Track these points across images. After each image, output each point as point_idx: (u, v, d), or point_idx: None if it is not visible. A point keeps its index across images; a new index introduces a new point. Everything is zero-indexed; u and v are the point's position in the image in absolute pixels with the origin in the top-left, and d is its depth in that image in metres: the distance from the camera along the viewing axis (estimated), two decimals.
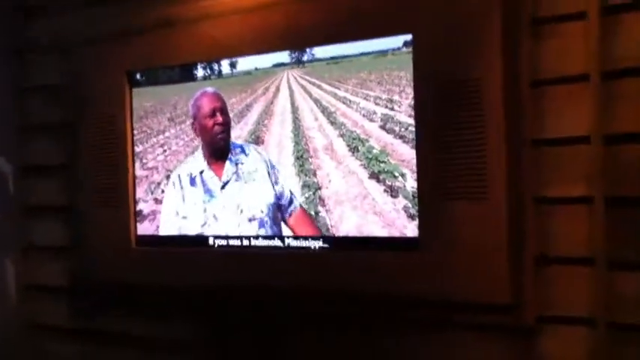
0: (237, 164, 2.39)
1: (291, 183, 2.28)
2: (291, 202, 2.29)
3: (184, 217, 2.48)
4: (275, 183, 2.33)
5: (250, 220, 2.35)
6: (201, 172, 2.46)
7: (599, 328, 1.82)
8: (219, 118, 2.42)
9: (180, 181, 2.50)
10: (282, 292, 2.26)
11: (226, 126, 2.42)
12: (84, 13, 2.68)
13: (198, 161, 2.47)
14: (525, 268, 1.91)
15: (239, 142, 2.39)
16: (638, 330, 1.78)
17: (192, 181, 2.47)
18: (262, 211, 2.34)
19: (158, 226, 2.53)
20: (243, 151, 2.40)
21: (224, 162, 2.42)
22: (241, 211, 2.37)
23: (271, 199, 2.32)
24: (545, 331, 1.91)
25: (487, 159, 1.91)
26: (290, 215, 2.30)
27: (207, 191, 2.43)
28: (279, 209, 2.31)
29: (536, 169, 1.91)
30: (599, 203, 1.81)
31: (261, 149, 2.34)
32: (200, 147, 2.46)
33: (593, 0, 1.82)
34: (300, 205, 2.26)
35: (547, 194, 1.91)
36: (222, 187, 2.41)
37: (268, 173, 2.34)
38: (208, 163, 2.45)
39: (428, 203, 2.01)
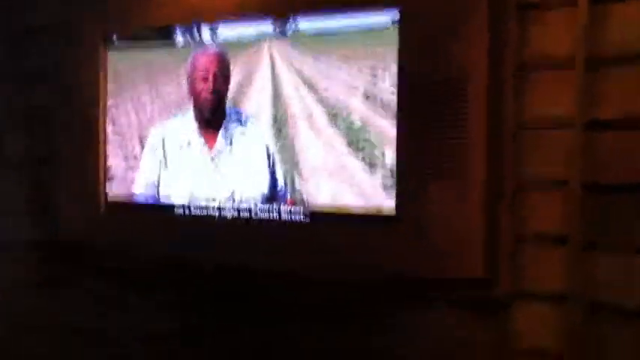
0: (231, 136, 2.33)
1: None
2: (284, 195, 2.25)
3: (163, 185, 2.43)
4: (272, 171, 2.27)
5: (239, 210, 2.30)
6: (189, 141, 2.39)
7: (571, 305, 1.86)
8: (210, 85, 2.32)
9: (163, 145, 2.43)
10: (256, 265, 2.25)
11: (219, 94, 2.33)
12: None
13: (187, 125, 2.40)
14: (501, 245, 1.94)
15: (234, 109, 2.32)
16: (607, 308, 1.83)
17: (179, 147, 2.41)
18: (255, 204, 2.28)
19: (132, 191, 2.49)
20: (239, 119, 2.32)
21: (217, 131, 2.36)
22: (232, 195, 2.31)
23: (265, 189, 2.27)
24: (519, 307, 1.94)
25: (468, 139, 1.92)
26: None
27: (194, 161, 2.37)
28: (273, 201, 2.26)
29: (518, 150, 1.93)
30: (575, 186, 1.85)
31: (262, 128, 2.27)
32: (192, 109, 2.39)
33: None
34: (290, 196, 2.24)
35: (526, 175, 1.93)
36: (212, 160, 2.35)
37: (268, 156, 2.27)
38: (199, 128, 2.38)
39: (406, 179, 2.02)
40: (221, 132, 2.34)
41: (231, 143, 2.32)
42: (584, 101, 1.84)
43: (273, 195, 2.24)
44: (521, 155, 1.94)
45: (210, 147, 2.35)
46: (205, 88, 2.33)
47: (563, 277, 1.88)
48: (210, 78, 2.32)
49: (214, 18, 2.30)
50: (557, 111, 1.89)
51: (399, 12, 2.02)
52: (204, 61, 2.33)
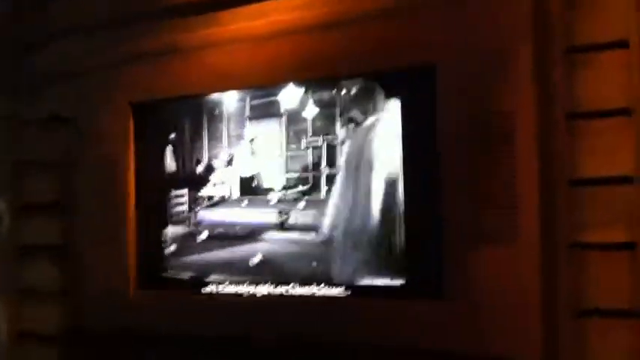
0: None
1: None
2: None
3: None
4: None
5: None
6: None
7: None
8: None
9: None
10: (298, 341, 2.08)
11: None
12: (80, 42, 2.51)
13: None
14: (559, 323, 1.72)
15: None
16: None
17: None
18: None
19: None
20: None
21: None
22: None
23: None
24: None
25: (518, 198, 1.74)
26: None
27: None
28: None
29: (572, 211, 1.73)
30: None
31: None
32: None
33: (636, 27, 1.66)
34: None
35: (583, 239, 1.72)
36: None
37: None
38: None
39: (453, 247, 1.84)
40: None
41: None
42: None
43: None
44: (578, 216, 1.72)
45: None
46: None
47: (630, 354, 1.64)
48: None
49: (241, 85, 2.22)
50: (615, 164, 1.68)
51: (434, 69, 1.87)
52: None
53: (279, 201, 2.16)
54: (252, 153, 2.22)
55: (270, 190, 2.19)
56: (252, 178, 2.23)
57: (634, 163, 1.66)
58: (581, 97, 1.74)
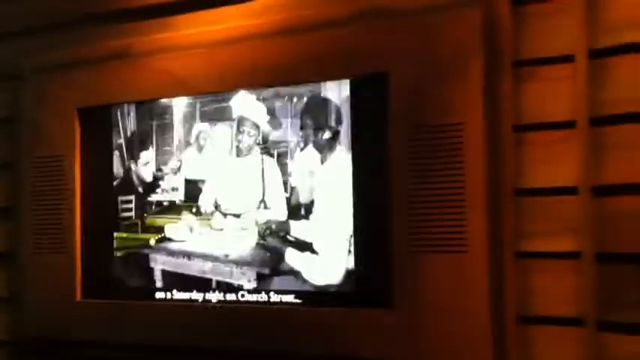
0: None
1: None
2: None
3: None
4: None
5: None
6: None
7: None
8: None
9: None
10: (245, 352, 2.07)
11: None
12: (28, 43, 2.47)
13: None
14: (507, 330, 1.76)
15: None
16: None
17: None
18: None
19: None
20: None
21: None
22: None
23: None
24: None
25: (467, 208, 1.77)
26: None
27: None
28: None
29: (519, 220, 1.77)
30: (588, 258, 1.68)
31: None
32: None
33: (581, 42, 1.72)
34: None
35: (530, 248, 1.76)
36: None
37: None
38: None
39: (402, 256, 1.85)
40: None
41: None
42: (590, 163, 1.68)
43: None
44: (525, 225, 1.76)
45: None
46: None
47: None
48: None
49: (196, 91, 2.17)
50: (560, 175, 1.73)
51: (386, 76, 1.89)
52: None
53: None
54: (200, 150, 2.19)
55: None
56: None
57: (578, 174, 1.71)
58: (528, 110, 1.78)
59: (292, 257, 2.02)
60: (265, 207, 2.08)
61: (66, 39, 2.36)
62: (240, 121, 2.12)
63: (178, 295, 2.17)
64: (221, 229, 2.14)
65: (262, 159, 2.09)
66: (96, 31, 2.32)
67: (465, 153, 1.78)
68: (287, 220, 2.04)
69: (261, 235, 2.08)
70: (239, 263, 2.10)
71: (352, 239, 1.94)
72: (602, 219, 1.67)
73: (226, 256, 2.12)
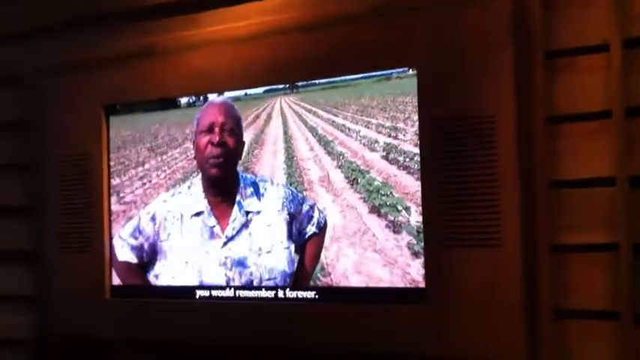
0: (247, 213, 2.08)
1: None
2: (310, 218, 2.03)
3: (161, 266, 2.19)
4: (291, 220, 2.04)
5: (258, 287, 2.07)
6: (198, 214, 2.13)
7: None
8: (216, 136, 2.06)
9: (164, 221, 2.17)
10: (270, 350, 2.05)
11: (227, 149, 2.06)
12: (47, 42, 2.45)
13: (194, 197, 2.15)
14: (542, 324, 1.74)
15: (250, 175, 2.09)
16: None
17: (182, 221, 2.14)
18: (275, 284, 2.05)
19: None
20: (256, 190, 2.07)
21: (231, 205, 2.12)
22: (249, 275, 2.08)
23: (287, 266, 2.04)
24: None
25: (500, 201, 1.75)
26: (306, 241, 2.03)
27: (204, 242, 2.12)
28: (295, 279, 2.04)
29: (553, 213, 1.75)
30: (625, 251, 1.65)
31: (279, 199, 2.04)
32: (199, 177, 2.14)
33: (615, 31, 1.69)
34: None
35: (565, 241, 1.74)
36: (225, 244, 2.10)
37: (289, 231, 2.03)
38: (209, 203, 2.12)
39: (435, 247, 1.83)
40: (235, 211, 2.09)
41: (246, 226, 2.08)
42: (627, 154, 1.65)
43: (293, 272, 2.04)
44: (560, 218, 1.74)
45: (223, 228, 2.09)
46: (212, 141, 2.07)
47: (613, 356, 1.66)
48: (217, 130, 2.07)
49: (221, 88, 2.14)
50: (596, 166, 1.70)
51: (416, 70, 1.87)
52: (211, 113, 2.11)
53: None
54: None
55: None
56: None
57: (614, 165, 1.68)
58: (561, 101, 1.76)
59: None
60: None
61: (87, 38, 2.35)
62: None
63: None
64: None
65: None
66: (118, 29, 2.31)
67: (497, 146, 1.76)
68: None
69: None
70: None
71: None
72: (639, 210, 1.64)
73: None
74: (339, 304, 1.96)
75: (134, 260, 2.22)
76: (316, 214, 2.01)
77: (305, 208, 2.02)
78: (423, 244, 1.85)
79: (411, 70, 1.88)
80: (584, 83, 1.74)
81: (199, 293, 2.13)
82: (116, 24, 2.30)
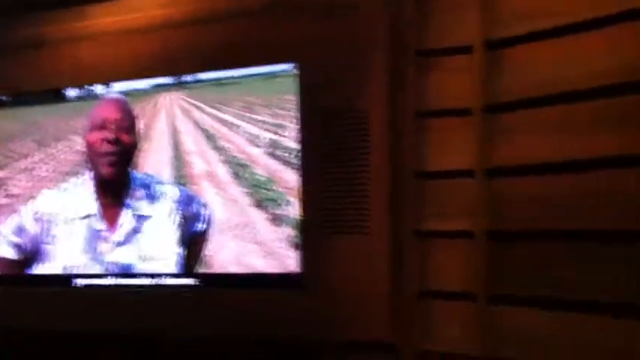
0: (138, 218, 2.07)
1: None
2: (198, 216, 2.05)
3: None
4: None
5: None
6: (86, 217, 2.09)
7: None
8: (111, 133, 2.01)
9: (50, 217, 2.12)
10: (150, 336, 2.09)
11: (122, 147, 2.02)
12: None
13: (83, 198, 2.12)
14: (407, 304, 1.84)
15: (141, 175, 2.09)
16: None
17: (71, 222, 2.09)
18: (160, 274, 2.06)
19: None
20: (148, 193, 2.05)
21: (121, 207, 2.08)
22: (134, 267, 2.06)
23: (174, 258, 2.06)
24: None
25: (370, 192, 1.85)
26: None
27: (90, 247, 2.08)
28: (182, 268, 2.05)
29: (419, 202, 1.86)
30: (480, 237, 1.77)
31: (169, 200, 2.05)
32: (89, 176, 2.11)
33: (478, 34, 1.81)
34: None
35: (429, 228, 1.85)
36: (112, 250, 2.07)
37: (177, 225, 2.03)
38: (100, 205, 2.08)
39: (312, 236, 1.92)
40: (125, 215, 2.07)
41: (137, 231, 2.07)
42: (485, 148, 1.77)
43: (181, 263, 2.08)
44: (424, 207, 1.85)
45: (112, 233, 2.07)
46: (107, 138, 2.02)
47: (471, 333, 1.77)
48: (112, 127, 2.03)
49: (107, 79, 2.17)
50: (458, 159, 1.82)
51: (297, 66, 1.95)
52: (106, 109, 2.08)
53: None
54: None
55: None
56: None
57: (474, 158, 1.80)
58: (430, 98, 1.87)
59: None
60: None
61: None
62: None
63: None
64: None
65: None
66: (6, 20, 2.29)
67: (369, 139, 1.86)
68: None
69: None
70: None
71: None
72: (495, 200, 1.76)
73: None
74: (221, 290, 2.02)
75: (14, 257, 2.17)
76: (204, 211, 2.05)
77: (194, 207, 2.06)
78: (301, 234, 1.93)
79: (294, 68, 1.96)
80: (451, 82, 1.85)
81: (76, 282, 2.14)
82: (3, 14, 2.29)
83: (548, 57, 1.72)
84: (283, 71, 1.98)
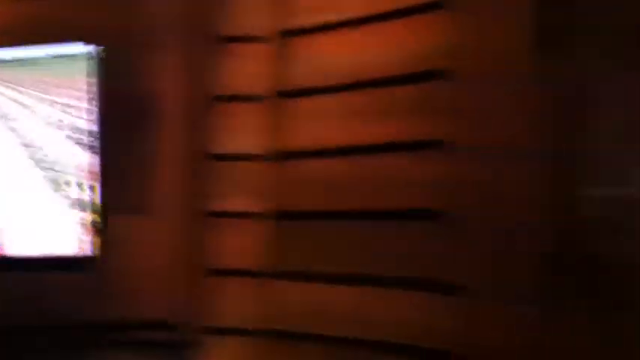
0: None
1: None
2: None
3: None
4: None
5: None
6: None
7: (264, 338, 1.84)
8: None
9: None
10: None
11: None
12: None
13: None
14: (197, 281, 1.90)
15: None
16: (302, 338, 1.85)
17: None
18: None
19: None
20: None
21: None
22: None
23: None
24: (212, 344, 1.89)
25: (163, 172, 1.89)
26: None
27: None
28: None
29: (212, 184, 1.92)
30: (267, 218, 1.86)
31: None
32: None
33: (271, 23, 1.89)
34: None
35: (220, 208, 1.92)
36: None
37: None
38: None
39: (103, 220, 1.91)
40: None
41: None
42: (274, 133, 1.86)
43: None
44: (218, 188, 1.91)
45: None
46: None
47: (256, 309, 1.86)
48: None
49: None
50: (250, 142, 1.89)
51: (94, 47, 1.94)
52: None
53: None
54: None
55: None
56: None
57: (264, 142, 1.88)
58: (225, 83, 1.93)
59: None
60: None
61: None
62: None
63: None
64: None
65: None
66: None
67: (163, 121, 1.89)
68: None
69: None
70: None
71: None
72: (282, 182, 1.85)
73: None
74: (10, 274, 1.99)
75: None
76: None
77: None
78: (94, 216, 1.93)
79: (91, 49, 1.94)
80: (245, 68, 1.92)
81: None
82: None
83: (333, 48, 1.82)
84: (80, 52, 1.95)
